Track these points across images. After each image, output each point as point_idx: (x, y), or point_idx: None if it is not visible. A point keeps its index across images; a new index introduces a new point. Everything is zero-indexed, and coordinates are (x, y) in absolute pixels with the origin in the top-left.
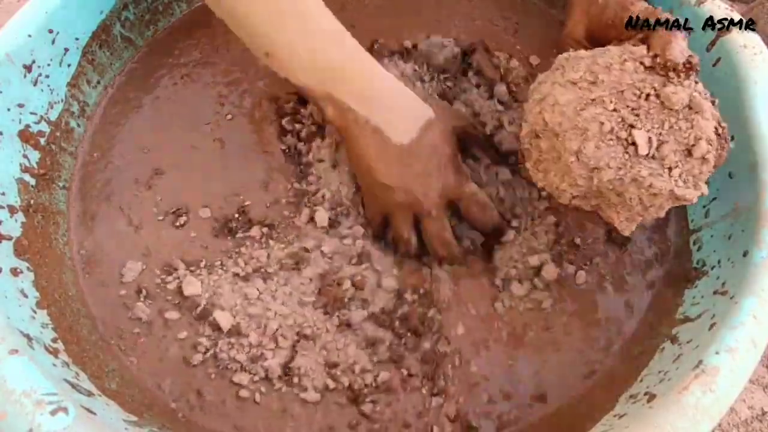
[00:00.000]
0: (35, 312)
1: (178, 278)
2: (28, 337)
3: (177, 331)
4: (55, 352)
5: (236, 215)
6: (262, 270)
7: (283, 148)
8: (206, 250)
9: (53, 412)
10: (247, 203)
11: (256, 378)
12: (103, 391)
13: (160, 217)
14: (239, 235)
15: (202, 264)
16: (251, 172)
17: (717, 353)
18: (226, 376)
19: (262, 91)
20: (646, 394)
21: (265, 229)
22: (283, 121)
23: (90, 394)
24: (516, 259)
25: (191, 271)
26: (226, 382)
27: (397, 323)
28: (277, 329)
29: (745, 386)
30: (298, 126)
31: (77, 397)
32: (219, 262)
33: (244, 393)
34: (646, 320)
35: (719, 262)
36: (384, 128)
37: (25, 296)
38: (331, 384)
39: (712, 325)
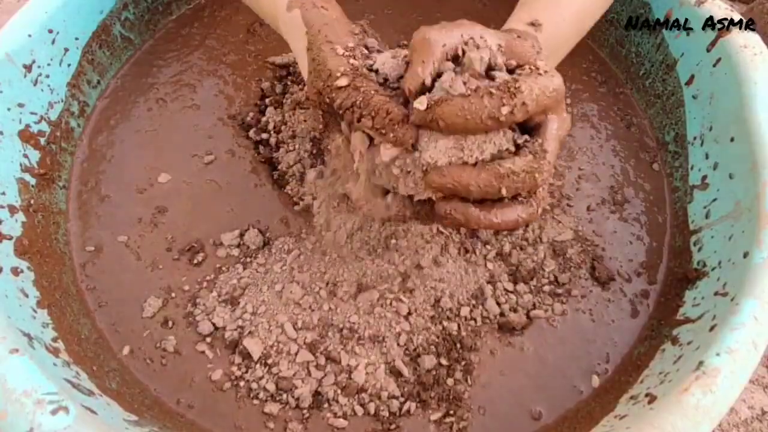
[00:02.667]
0: (36, 311)
1: (206, 310)
2: (28, 336)
3: (206, 360)
4: (55, 352)
5: (252, 245)
6: (292, 295)
7: (262, 160)
8: (229, 280)
9: (54, 412)
10: (261, 230)
11: (287, 408)
12: (104, 390)
13: (175, 256)
14: (260, 261)
15: (228, 294)
16: (251, 199)
17: (717, 354)
18: (257, 406)
19: (223, 110)
20: (647, 395)
21: (286, 256)
22: (250, 133)
23: (90, 393)
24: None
25: (219, 302)
26: (257, 412)
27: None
28: (308, 357)
29: (745, 386)
30: (264, 135)
31: (78, 397)
32: (245, 291)
33: (271, 424)
34: (647, 321)
35: (720, 263)
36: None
37: (26, 296)
38: (360, 410)
39: (712, 327)
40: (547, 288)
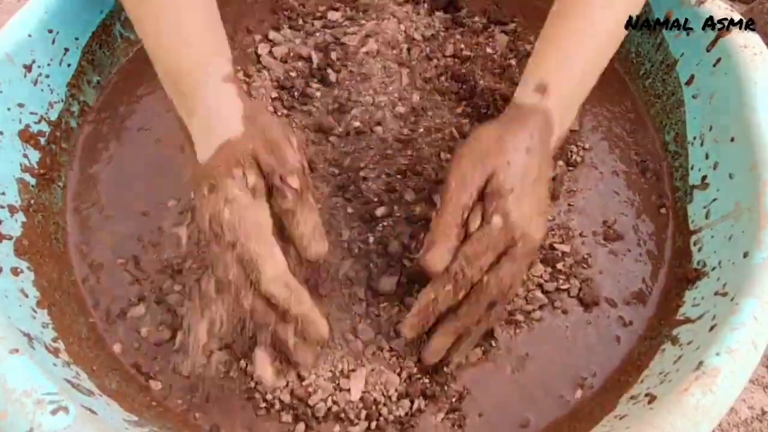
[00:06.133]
0: (36, 311)
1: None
2: (28, 336)
3: (223, 369)
4: (55, 352)
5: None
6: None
7: None
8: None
9: (54, 412)
10: None
11: (302, 417)
12: (104, 390)
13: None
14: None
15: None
16: None
17: (717, 354)
18: (273, 415)
19: None
20: (647, 395)
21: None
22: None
23: (90, 393)
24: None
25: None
26: (275, 421)
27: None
28: (329, 366)
29: (745, 386)
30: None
31: (78, 397)
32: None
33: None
34: (647, 321)
35: (720, 263)
36: (197, 146)
37: (26, 296)
38: (374, 415)
39: (712, 327)
40: (531, 293)
